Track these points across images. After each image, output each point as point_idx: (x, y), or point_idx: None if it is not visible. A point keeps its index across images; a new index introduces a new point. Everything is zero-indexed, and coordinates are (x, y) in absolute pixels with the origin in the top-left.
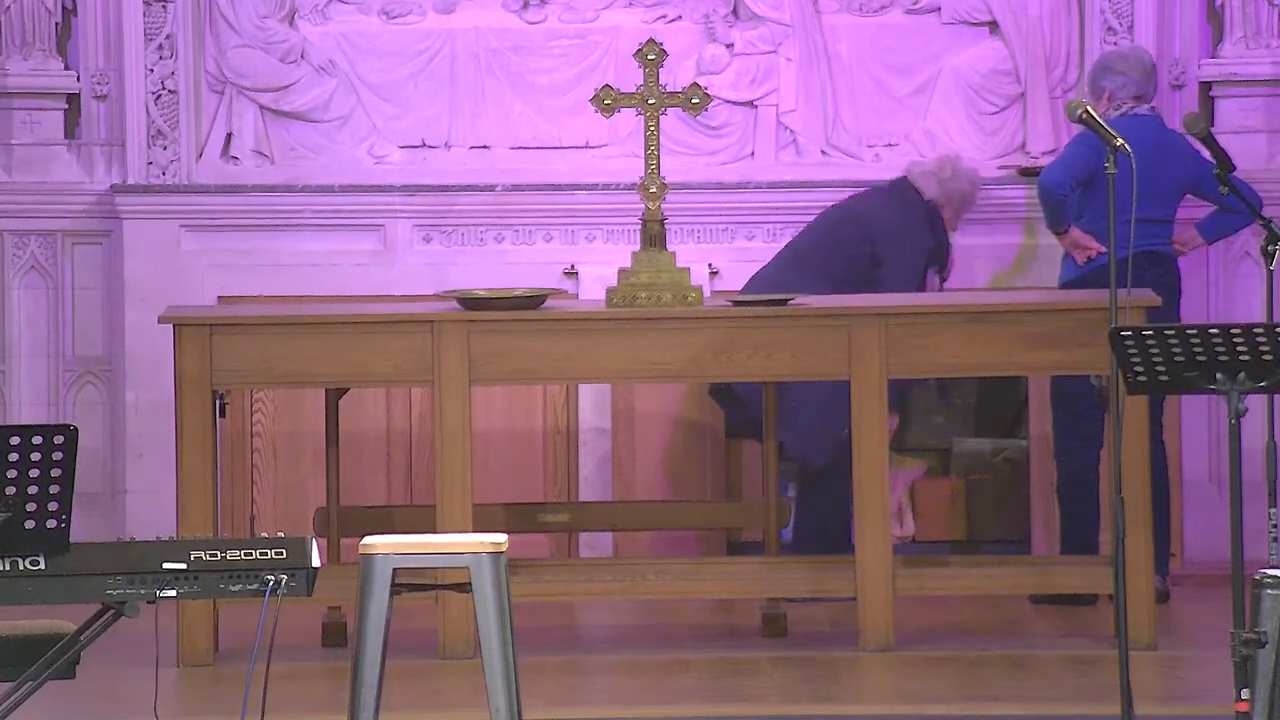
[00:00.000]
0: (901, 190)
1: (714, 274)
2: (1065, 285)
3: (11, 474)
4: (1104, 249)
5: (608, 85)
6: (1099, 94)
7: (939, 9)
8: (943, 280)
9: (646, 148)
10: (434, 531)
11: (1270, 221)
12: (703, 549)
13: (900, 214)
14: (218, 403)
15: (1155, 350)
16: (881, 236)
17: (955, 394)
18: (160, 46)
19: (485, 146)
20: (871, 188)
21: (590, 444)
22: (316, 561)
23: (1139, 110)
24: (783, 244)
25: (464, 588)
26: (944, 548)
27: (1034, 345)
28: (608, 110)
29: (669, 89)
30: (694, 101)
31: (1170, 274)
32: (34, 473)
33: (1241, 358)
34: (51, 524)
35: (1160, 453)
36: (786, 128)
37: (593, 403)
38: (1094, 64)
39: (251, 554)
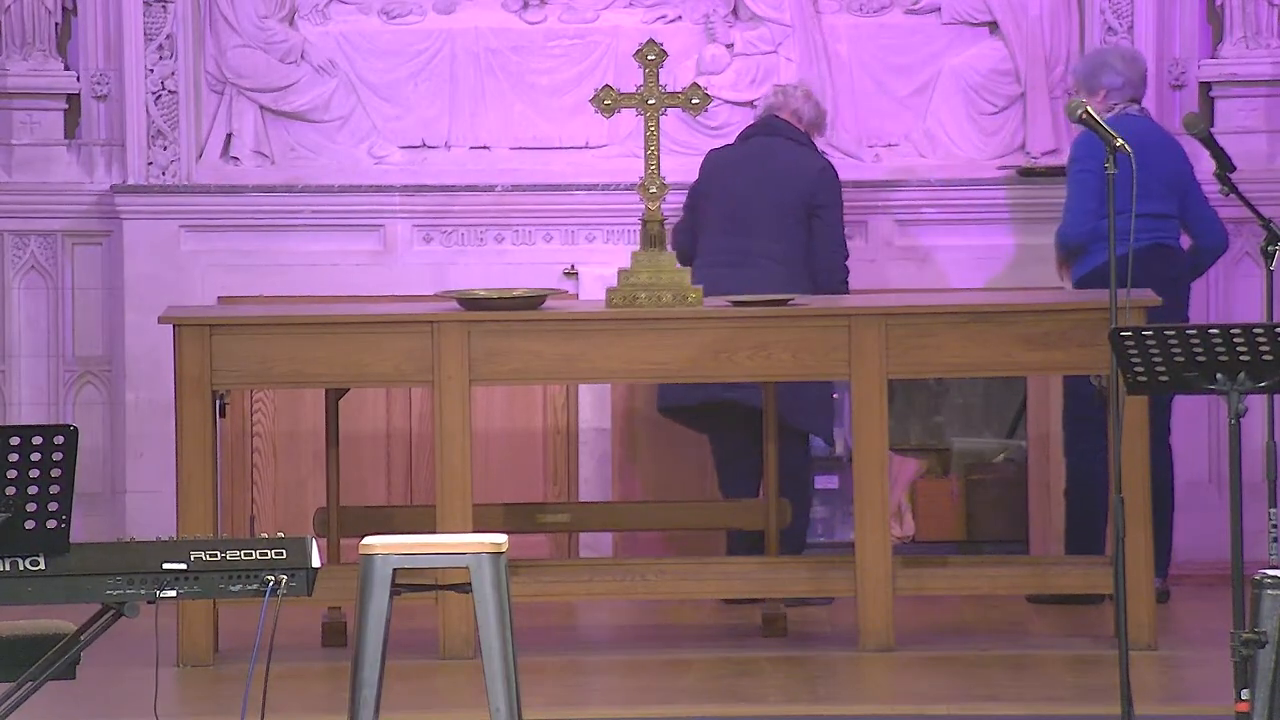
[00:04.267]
0: (782, 130)
1: None
2: (1082, 279)
3: (11, 474)
4: None
5: (608, 85)
6: (1095, 91)
7: (939, 9)
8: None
9: (646, 148)
10: (434, 531)
11: (1270, 221)
12: (703, 549)
13: (810, 157)
14: (218, 403)
15: (1155, 350)
16: (813, 190)
17: (955, 394)
18: (160, 46)
19: (485, 147)
20: (750, 142)
21: (590, 444)
22: (316, 561)
23: (1130, 110)
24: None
25: (464, 588)
26: (944, 548)
27: (1034, 345)
28: (608, 110)
29: (669, 89)
30: (694, 101)
31: (1178, 266)
32: (34, 473)
33: (1241, 358)
34: (51, 524)
35: (1168, 456)
36: None
37: (593, 403)
38: (1088, 59)
39: (251, 554)
